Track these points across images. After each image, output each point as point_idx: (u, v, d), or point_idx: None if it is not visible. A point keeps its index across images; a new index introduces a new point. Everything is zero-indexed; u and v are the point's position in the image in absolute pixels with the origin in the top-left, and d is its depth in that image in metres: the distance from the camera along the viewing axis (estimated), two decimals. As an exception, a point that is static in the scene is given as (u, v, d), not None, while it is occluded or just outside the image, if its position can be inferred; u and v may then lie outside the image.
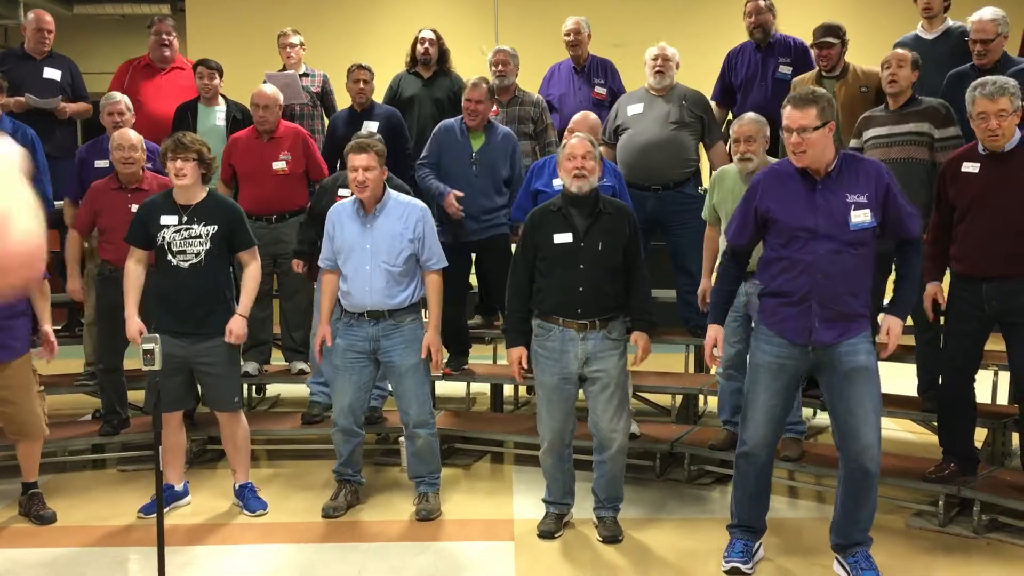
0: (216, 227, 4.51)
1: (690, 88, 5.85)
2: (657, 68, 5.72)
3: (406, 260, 4.45)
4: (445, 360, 5.50)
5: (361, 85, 6.06)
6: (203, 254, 4.50)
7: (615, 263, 4.17)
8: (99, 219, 5.20)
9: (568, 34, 6.37)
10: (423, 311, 4.67)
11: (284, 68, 6.64)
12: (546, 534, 4.36)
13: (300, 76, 6.57)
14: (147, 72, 6.45)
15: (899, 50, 4.95)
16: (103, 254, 5.24)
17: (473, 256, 5.78)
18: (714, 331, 3.96)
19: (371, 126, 5.90)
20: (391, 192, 4.55)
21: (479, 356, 6.13)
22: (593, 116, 5.21)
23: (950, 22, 5.53)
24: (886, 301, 4.03)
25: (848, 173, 3.69)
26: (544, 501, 4.48)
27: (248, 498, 4.72)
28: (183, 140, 4.49)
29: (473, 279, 6.13)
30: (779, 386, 3.82)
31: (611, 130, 5.87)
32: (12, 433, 4.53)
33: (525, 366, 4.27)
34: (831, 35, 5.49)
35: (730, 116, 6.06)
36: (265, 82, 6.02)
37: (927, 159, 4.75)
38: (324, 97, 6.73)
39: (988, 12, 4.97)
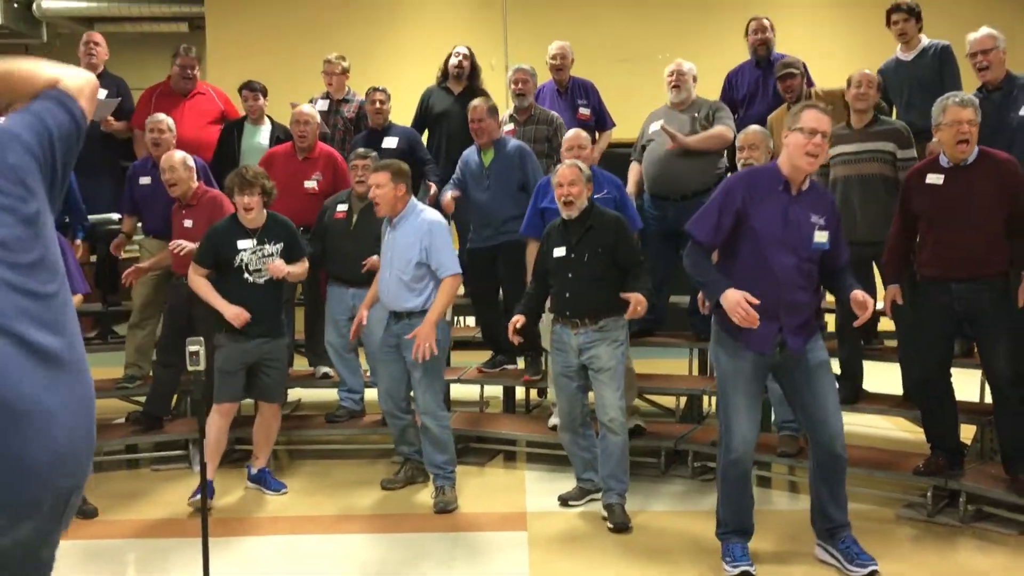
0: (282, 244, 5.09)
1: (709, 100, 6.06)
2: (673, 83, 5.96)
3: (415, 269, 4.80)
4: (523, 367, 6.03)
5: (378, 106, 6.35)
6: None
7: (601, 272, 4.59)
8: (173, 231, 5.59)
9: (554, 58, 6.59)
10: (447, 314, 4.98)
11: (327, 94, 6.76)
12: (563, 499, 4.92)
13: (340, 102, 6.73)
14: (170, 99, 6.60)
15: (867, 71, 5.22)
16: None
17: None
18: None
19: (391, 142, 6.21)
20: (416, 206, 4.90)
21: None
22: (584, 134, 5.47)
23: (926, 41, 5.79)
24: None
25: (813, 195, 3.91)
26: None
27: (268, 480, 5.21)
28: (247, 176, 4.96)
29: None
30: (755, 389, 3.96)
31: (639, 148, 6.14)
32: None
33: (518, 326, 4.65)
34: (792, 67, 5.88)
35: None
36: (294, 107, 6.24)
37: (890, 175, 5.05)
38: (359, 122, 6.74)
39: (984, 28, 5.16)
